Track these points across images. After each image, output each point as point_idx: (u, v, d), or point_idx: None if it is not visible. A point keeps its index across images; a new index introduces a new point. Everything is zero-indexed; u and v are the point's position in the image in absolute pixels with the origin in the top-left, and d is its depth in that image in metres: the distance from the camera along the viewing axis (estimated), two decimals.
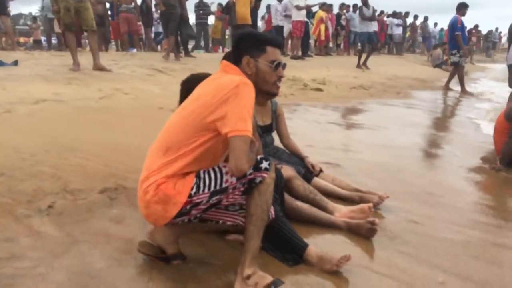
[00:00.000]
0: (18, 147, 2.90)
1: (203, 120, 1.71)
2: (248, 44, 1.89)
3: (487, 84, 11.71)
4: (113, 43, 13.10)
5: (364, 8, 11.40)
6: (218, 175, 1.76)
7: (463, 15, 9.25)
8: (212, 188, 1.74)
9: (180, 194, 1.71)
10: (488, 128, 5.26)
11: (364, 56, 11.68)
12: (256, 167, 1.78)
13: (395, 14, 18.18)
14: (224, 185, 1.75)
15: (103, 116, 4.06)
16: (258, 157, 1.81)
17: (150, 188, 1.72)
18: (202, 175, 1.75)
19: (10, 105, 3.85)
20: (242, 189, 1.79)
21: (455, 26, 9.21)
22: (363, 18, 11.45)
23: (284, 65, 1.98)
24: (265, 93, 1.97)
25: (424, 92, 9.29)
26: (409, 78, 11.20)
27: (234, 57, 1.90)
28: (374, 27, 11.83)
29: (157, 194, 1.70)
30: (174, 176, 1.72)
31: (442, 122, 6.20)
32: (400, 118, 6.09)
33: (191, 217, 1.80)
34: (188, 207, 1.73)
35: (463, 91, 9.59)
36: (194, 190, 1.72)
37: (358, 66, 11.33)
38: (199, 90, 1.86)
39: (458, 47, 9.25)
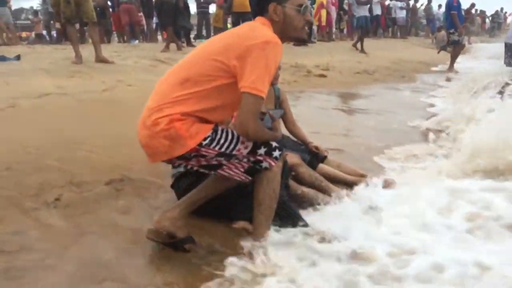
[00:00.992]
0: (23, 141, 2.90)
1: (226, 60, 1.68)
2: None
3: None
4: (115, 34, 13.05)
5: None
6: (234, 140, 1.74)
7: None
8: (222, 149, 1.72)
9: (191, 138, 1.68)
10: None
11: (362, 39, 11.62)
12: (269, 152, 1.77)
13: None
14: (234, 152, 1.74)
15: (107, 108, 4.06)
16: (273, 144, 1.80)
17: (162, 121, 1.68)
18: (219, 131, 1.73)
19: (14, 100, 3.85)
20: (246, 166, 1.78)
21: (451, 5, 9.32)
22: (359, 2, 11.44)
23: (310, 10, 1.95)
24: (295, 39, 1.94)
25: (429, 75, 9.21)
26: (413, 61, 11.09)
27: (258, 8, 1.85)
28: (377, 10, 11.72)
29: (169, 129, 1.67)
30: (189, 116, 1.69)
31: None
32: (405, 102, 6.05)
33: (188, 165, 1.79)
34: (192, 154, 1.71)
35: (450, 69, 9.74)
36: (207, 141, 1.70)
37: (361, 51, 11.23)
38: (231, 31, 1.86)
39: (454, 26, 9.30)
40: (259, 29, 1.75)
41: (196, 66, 1.73)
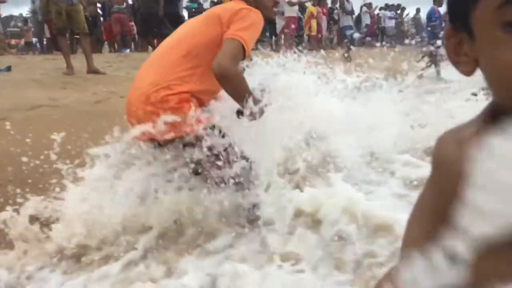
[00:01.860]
0: (16, 155, 2.87)
1: (220, 27, 1.77)
2: None
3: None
4: (106, 44, 13.00)
5: (346, 3, 11.59)
6: (227, 143, 1.81)
7: (440, 5, 9.53)
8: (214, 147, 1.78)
9: (194, 124, 1.72)
10: None
11: (347, 48, 11.83)
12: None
13: (387, 7, 18.14)
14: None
15: (100, 120, 4.04)
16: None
17: (172, 99, 1.70)
18: (216, 130, 1.80)
19: (6, 113, 3.82)
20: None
21: (432, 16, 9.47)
22: (344, 11, 11.69)
23: None
24: (265, 18, 2.04)
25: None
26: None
27: None
28: (366, 20, 11.91)
29: (178, 109, 1.70)
30: (194, 96, 1.73)
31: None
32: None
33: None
34: (186, 140, 1.77)
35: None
36: (205, 133, 1.76)
37: (349, 59, 11.35)
38: (216, 7, 1.99)
39: (435, 37, 9.52)
40: (238, 3, 1.90)
41: (197, 36, 1.81)
